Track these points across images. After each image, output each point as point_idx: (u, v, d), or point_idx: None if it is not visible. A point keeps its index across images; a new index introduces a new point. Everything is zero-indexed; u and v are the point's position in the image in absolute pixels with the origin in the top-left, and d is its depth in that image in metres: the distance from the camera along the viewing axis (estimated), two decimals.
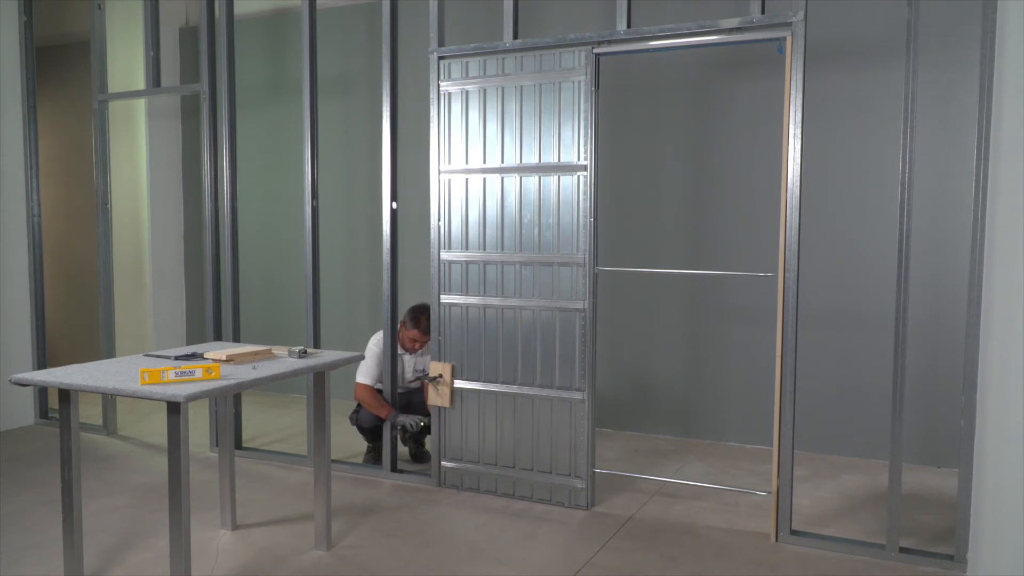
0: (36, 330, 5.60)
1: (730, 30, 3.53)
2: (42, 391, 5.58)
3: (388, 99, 4.23)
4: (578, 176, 3.82)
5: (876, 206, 4.60)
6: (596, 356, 3.90)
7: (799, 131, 3.38)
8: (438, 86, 4.10)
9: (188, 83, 6.36)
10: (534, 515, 3.85)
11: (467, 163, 4.07)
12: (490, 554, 3.40)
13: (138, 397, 2.71)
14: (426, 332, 4.42)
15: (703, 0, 4.66)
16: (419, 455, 4.66)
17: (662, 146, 5.18)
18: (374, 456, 4.59)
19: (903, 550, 3.33)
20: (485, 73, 3.99)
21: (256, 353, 3.26)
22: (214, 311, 4.76)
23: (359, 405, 4.50)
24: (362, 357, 3.68)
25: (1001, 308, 2.80)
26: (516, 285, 3.99)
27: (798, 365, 3.48)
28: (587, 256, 3.82)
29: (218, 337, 4.75)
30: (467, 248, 4.09)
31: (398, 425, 4.33)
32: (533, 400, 3.98)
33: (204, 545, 3.45)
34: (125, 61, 6.22)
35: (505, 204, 3.99)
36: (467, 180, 4.07)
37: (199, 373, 2.82)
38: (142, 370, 2.77)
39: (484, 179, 4.03)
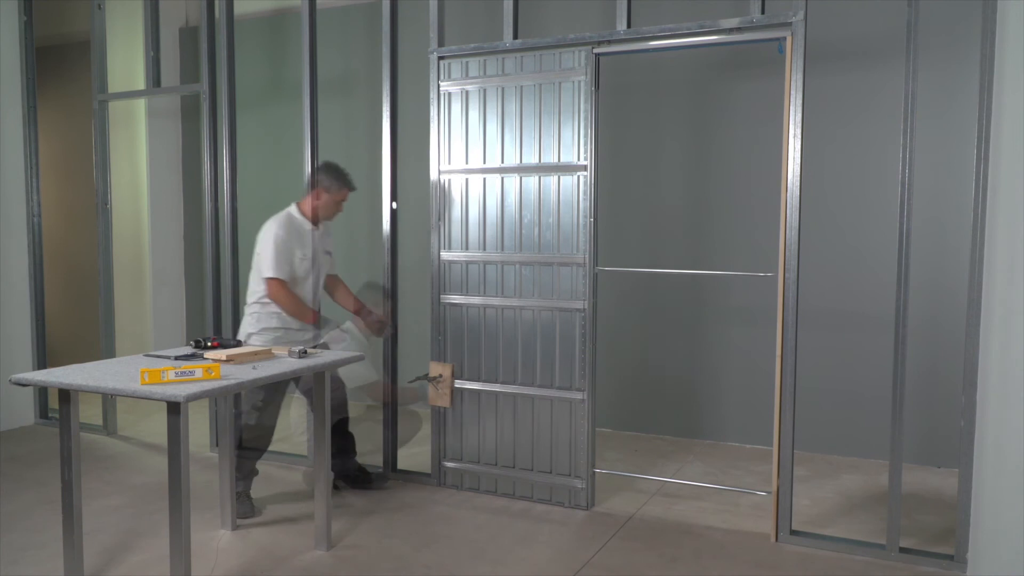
0: (36, 330, 5.60)
1: (730, 30, 3.53)
2: (42, 391, 5.58)
3: (388, 99, 4.23)
4: (578, 176, 3.82)
5: (876, 206, 4.60)
6: (596, 356, 3.90)
7: (799, 131, 3.38)
8: (438, 86, 4.10)
9: (188, 83, 6.36)
10: (534, 515, 3.85)
11: (467, 163, 4.07)
12: (490, 554, 3.40)
13: (138, 397, 2.71)
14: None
15: (703, 0, 4.66)
16: (358, 478, 4.11)
17: (662, 146, 5.18)
18: (248, 507, 3.76)
19: (903, 550, 3.33)
20: (485, 73, 3.99)
21: (256, 353, 3.26)
22: (214, 311, 4.75)
23: (240, 412, 3.70)
24: (362, 357, 3.64)
25: (1001, 308, 2.80)
26: (516, 285, 3.99)
27: (798, 365, 3.48)
28: (587, 256, 3.82)
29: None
30: (467, 248, 4.09)
31: (329, 341, 3.69)
32: (533, 400, 3.98)
33: (204, 545, 3.45)
34: (125, 61, 6.22)
35: (505, 204, 3.99)
36: (467, 180, 4.07)
37: (199, 373, 2.82)
38: (142, 370, 2.77)
39: (484, 179, 4.03)
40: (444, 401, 4.14)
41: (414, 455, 4.55)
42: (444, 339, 4.16)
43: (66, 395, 2.92)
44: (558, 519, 3.80)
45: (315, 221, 3.85)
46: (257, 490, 4.16)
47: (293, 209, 3.87)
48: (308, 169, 4.43)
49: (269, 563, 3.31)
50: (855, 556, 3.38)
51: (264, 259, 3.69)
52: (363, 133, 5.94)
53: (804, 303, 3.49)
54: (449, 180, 4.12)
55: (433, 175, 4.15)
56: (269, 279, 3.69)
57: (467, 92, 4.04)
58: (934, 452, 4.52)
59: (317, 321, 3.79)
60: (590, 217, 3.80)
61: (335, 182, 3.89)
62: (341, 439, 3.97)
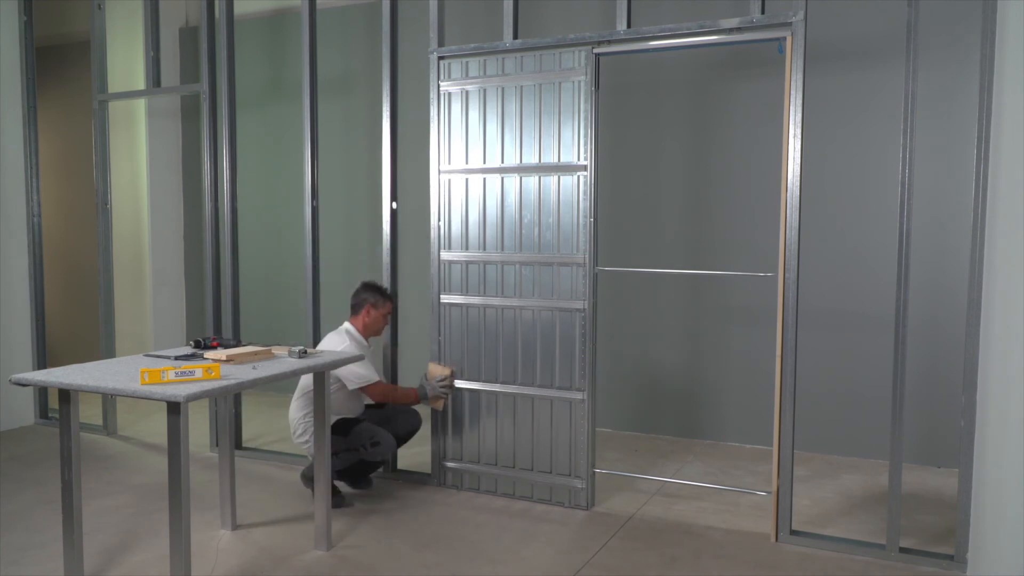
0: (36, 330, 5.60)
1: (730, 30, 3.53)
2: (42, 391, 5.58)
3: (388, 99, 4.23)
4: (578, 176, 3.82)
5: (876, 206, 4.60)
6: (596, 356, 3.90)
7: (799, 131, 3.38)
8: (438, 86, 4.10)
9: (188, 83, 6.37)
10: (534, 515, 3.85)
11: (467, 163, 4.07)
12: (490, 554, 3.40)
13: (138, 397, 2.71)
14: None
15: (703, 0, 4.66)
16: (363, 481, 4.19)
17: (662, 146, 5.19)
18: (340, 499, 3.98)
19: (903, 550, 3.33)
20: (485, 73, 3.99)
21: (256, 353, 3.26)
22: (214, 311, 4.76)
23: (342, 448, 3.83)
24: (361, 357, 3.65)
25: (1001, 308, 2.80)
26: (516, 285, 3.99)
27: (798, 365, 3.48)
28: (587, 256, 3.82)
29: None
30: (467, 248, 4.09)
31: (437, 395, 4.08)
32: (533, 400, 3.98)
33: (204, 545, 3.45)
34: (125, 61, 6.22)
35: (505, 204, 3.99)
36: (467, 180, 4.07)
37: (199, 373, 2.82)
38: (142, 370, 2.77)
39: (484, 179, 4.03)
40: (443, 403, 4.14)
41: (414, 455, 4.56)
42: (444, 339, 4.16)
43: (66, 395, 2.92)
44: (558, 519, 3.80)
45: (367, 336, 4.09)
46: (257, 491, 4.16)
47: (349, 326, 4.05)
48: (308, 170, 4.44)
49: (269, 563, 3.31)
50: (855, 556, 3.38)
51: (356, 374, 3.89)
52: (363, 133, 5.95)
53: (804, 303, 3.49)
54: (449, 180, 4.12)
55: (433, 175, 4.15)
56: (371, 386, 3.94)
57: (467, 92, 4.04)
58: (934, 452, 4.52)
59: (422, 391, 4.12)
60: (590, 217, 3.80)
61: (380, 295, 4.09)
62: (355, 439, 3.98)
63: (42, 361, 5.61)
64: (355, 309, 4.07)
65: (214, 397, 3.42)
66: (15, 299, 5.50)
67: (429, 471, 4.29)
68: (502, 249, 4.01)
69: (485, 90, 4.00)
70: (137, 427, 5.48)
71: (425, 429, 4.32)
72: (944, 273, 4.36)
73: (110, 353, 5.27)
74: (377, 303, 4.05)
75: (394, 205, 4.29)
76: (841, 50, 4.62)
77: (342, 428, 3.88)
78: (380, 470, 4.35)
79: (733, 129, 4.97)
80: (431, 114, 4.12)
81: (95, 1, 5.22)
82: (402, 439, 4.17)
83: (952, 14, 4.30)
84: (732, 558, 3.37)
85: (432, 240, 4.16)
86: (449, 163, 4.11)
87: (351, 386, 3.89)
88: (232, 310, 4.70)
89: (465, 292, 4.10)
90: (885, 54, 4.51)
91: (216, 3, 4.68)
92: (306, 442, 3.93)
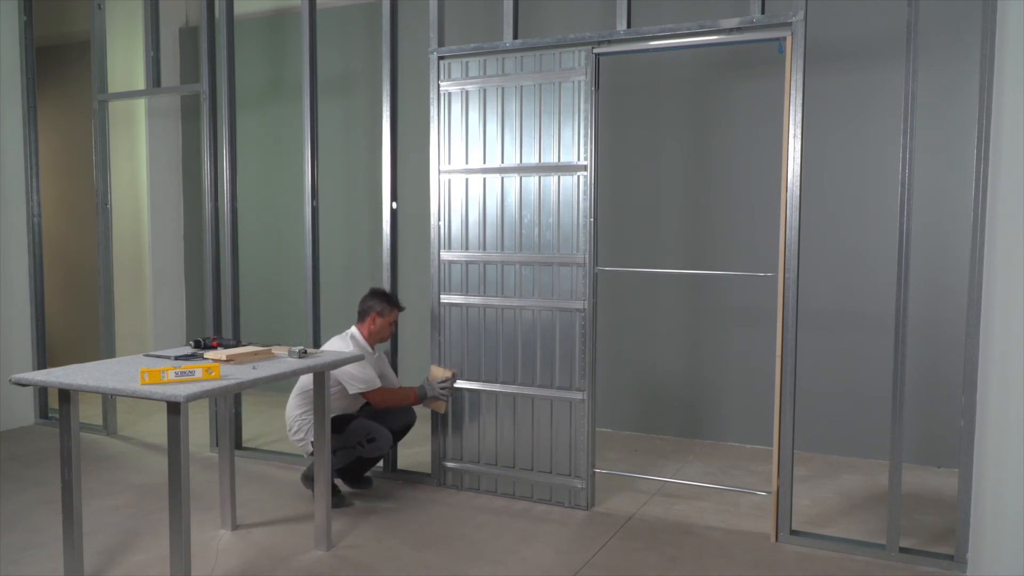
0: (36, 330, 5.60)
1: (730, 30, 3.53)
2: (42, 391, 5.58)
3: (388, 99, 4.23)
4: (578, 176, 3.82)
5: (876, 206, 4.60)
6: (596, 356, 3.90)
7: (799, 131, 3.38)
8: (438, 86, 4.10)
9: (188, 83, 6.37)
10: (534, 515, 3.85)
11: (467, 163, 4.07)
12: (490, 554, 3.40)
13: (138, 397, 2.71)
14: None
15: (703, 0, 4.66)
16: (361, 480, 4.17)
17: (662, 146, 5.19)
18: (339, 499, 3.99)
19: (903, 550, 3.33)
20: (485, 73, 3.99)
21: (256, 353, 3.26)
22: (214, 311, 4.76)
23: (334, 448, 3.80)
24: (361, 357, 3.65)
25: (1001, 308, 2.81)
26: (516, 285, 3.99)
27: (798, 365, 3.48)
28: (587, 256, 3.82)
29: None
30: (467, 248, 4.09)
31: (437, 396, 4.06)
32: (533, 400, 3.98)
33: (204, 545, 3.45)
34: (125, 61, 6.22)
35: (505, 204, 3.99)
36: (467, 180, 4.08)
37: (199, 373, 2.82)
38: (142, 370, 2.77)
39: (484, 179, 4.03)
40: (445, 406, 4.13)
41: (414, 455, 4.56)
42: (444, 339, 4.16)
43: (66, 395, 2.92)
44: (558, 519, 3.80)
45: (372, 344, 4.05)
46: (257, 491, 4.17)
47: (354, 331, 4.02)
48: (308, 170, 4.44)
49: (269, 563, 3.31)
50: (855, 556, 3.38)
51: (356, 379, 3.87)
52: (363, 133, 5.95)
53: (804, 303, 3.50)
54: (449, 180, 4.12)
55: (433, 175, 4.15)
56: (370, 392, 3.90)
57: (467, 92, 4.04)
58: (934, 452, 4.52)
59: (421, 390, 4.10)
60: (590, 217, 3.80)
61: (386, 303, 4.03)
62: (351, 435, 3.97)
63: (42, 361, 5.61)
64: (361, 316, 4.04)
65: (214, 397, 3.42)
66: (15, 299, 5.50)
67: (429, 471, 4.29)
68: (502, 249, 4.01)
69: (485, 90, 4.00)
70: (137, 427, 5.48)
71: (425, 429, 4.32)
72: (944, 273, 4.36)
73: (110, 353, 5.27)
74: (383, 311, 4.01)
75: (394, 205, 4.29)
76: (841, 50, 4.62)
77: (337, 425, 3.88)
78: (380, 466, 4.35)
79: (733, 129, 4.97)
80: (431, 114, 4.12)
81: (95, 1, 5.22)
82: (398, 434, 4.16)
83: (952, 14, 4.30)
84: (732, 558, 3.37)
85: (432, 240, 4.16)
86: (449, 163, 4.11)
87: (352, 390, 3.89)
88: (232, 310, 4.70)
89: (465, 292, 4.10)
90: (885, 54, 4.51)
91: (216, 3, 4.68)
92: (301, 440, 3.93)
